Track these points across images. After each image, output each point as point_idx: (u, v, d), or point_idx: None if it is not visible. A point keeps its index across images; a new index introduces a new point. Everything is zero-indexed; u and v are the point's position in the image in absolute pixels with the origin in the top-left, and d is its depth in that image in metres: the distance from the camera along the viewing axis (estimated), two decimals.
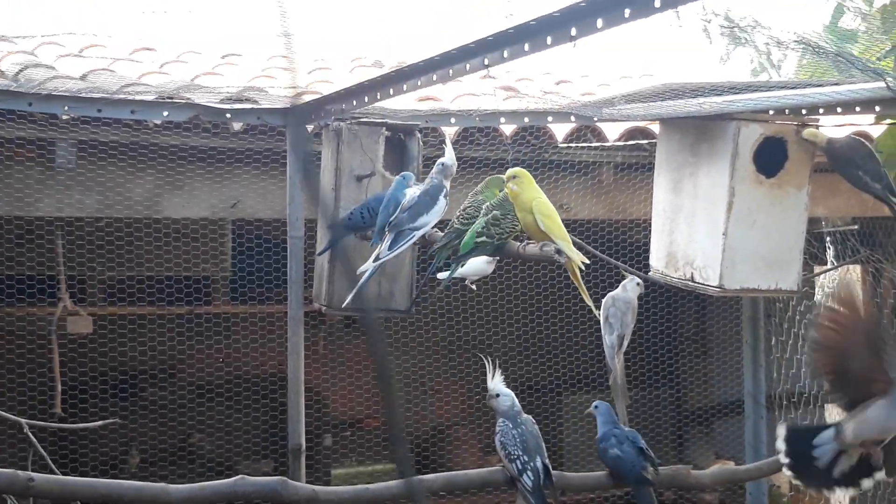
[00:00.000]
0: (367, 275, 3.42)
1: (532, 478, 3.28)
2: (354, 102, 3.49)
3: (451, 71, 2.82)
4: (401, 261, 3.64)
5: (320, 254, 3.85)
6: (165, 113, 3.81)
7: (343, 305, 3.58)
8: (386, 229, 3.38)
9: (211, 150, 4.72)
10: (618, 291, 4.00)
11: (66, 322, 5.52)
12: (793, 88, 3.70)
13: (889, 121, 3.94)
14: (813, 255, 4.98)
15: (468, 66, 2.75)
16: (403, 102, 5.07)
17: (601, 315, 4.02)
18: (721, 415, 7.46)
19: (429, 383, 7.63)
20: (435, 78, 2.92)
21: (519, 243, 3.18)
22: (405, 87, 3.13)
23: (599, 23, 2.33)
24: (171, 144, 4.65)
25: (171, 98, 4.21)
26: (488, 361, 3.37)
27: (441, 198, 3.38)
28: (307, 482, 6.80)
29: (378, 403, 7.54)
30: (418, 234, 3.34)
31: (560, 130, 5.18)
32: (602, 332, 4.02)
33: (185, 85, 4.80)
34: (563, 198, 5.54)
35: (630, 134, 5.23)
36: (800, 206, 3.91)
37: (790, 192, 3.89)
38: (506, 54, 2.60)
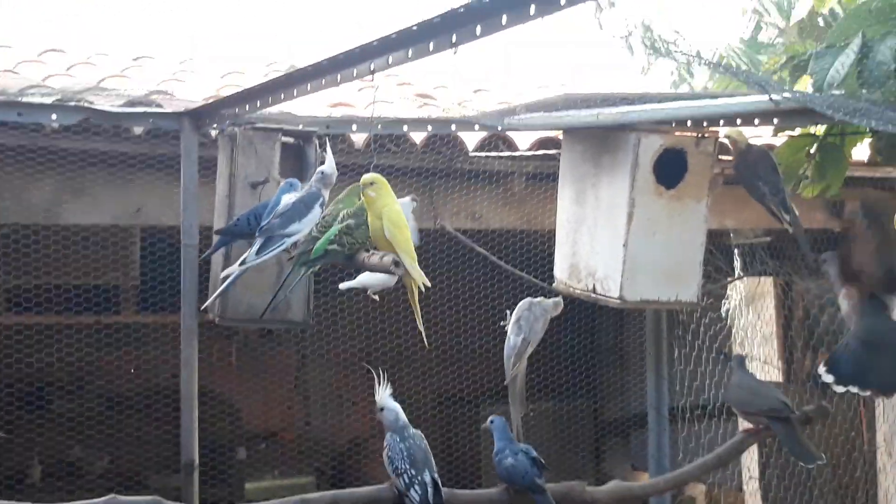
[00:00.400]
0: (230, 279, 3.35)
1: (419, 492, 3.22)
2: (248, 107, 3.42)
3: (339, 76, 2.78)
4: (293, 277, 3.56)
5: (203, 258, 3.77)
6: (54, 116, 3.70)
7: (203, 307, 3.51)
8: (256, 234, 3.32)
9: (113, 155, 4.62)
10: (537, 300, 3.99)
11: None
12: (691, 100, 3.71)
13: (787, 133, 3.96)
14: (718, 268, 5.01)
15: (355, 71, 2.71)
16: (314, 108, 5.02)
17: (512, 316, 4.00)
18: (638, 426, 7.49)
19: (346, 396, 7.56)
20: (324, 83, 2.87)
21: (366, 253, 3.11)
22: (295, 91, 3.08)
23: (478, 30, 2.32)
24: (71, 149, 4.53)
25: (69, 101, 4.11)
26: (376, 374, 3.31)
27: (316, 206, 3.31)
28: (220, 496, 6.74)
29: (294, 415, 7.46)
30: (289, 241, 3.27)
31: (471, 139, 5.15)
32: (508, 332, 3.99)
33: (90, 87, 4.69)
34: (474, 207, 5.51)
35: (541, 143, 5.22)
36: (699, 218, 3.92)
37: (689, 203, 3.89)
38: (390, 60, 2.57)
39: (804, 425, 3.93)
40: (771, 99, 2.88)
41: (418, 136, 5.03)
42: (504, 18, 2.24)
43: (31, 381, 6.48)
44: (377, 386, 3.32)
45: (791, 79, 3.41)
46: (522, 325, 3.97)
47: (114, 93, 4.70)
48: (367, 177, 3.06)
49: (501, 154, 5.19)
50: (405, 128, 4.10)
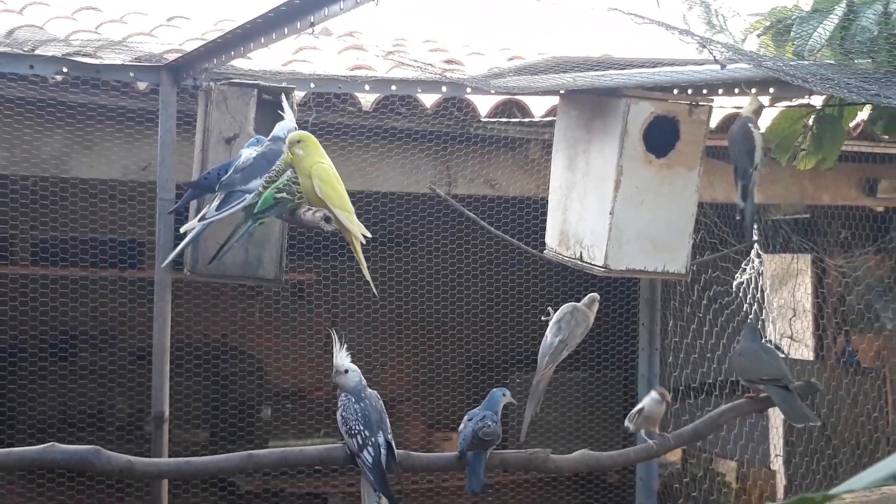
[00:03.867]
0: (191, 235, 3.35)
1: (372, 454, 3.20)
2: (223, 58, 3.42)
3: (286, 29, 2.76)
4: (269, 227, 3.57)
5: (170, 212, 3.79)
6: (31, 66, 3.73)
7: (163, 265, 3.52)
8: (216, 189, 3.31)
9: (121, 111, 4.66)
10: (580, 304, 3.96)
11: None
12: (682, 66, 3.61)
13: (785, 103, 3.83)
14: (723, 241, 4.88)
15: (298, 24, 2.69)
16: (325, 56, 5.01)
17: (554, 316, 3.96)
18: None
19: (377, 357, 7.59)
20: (274, 37, 2.86)
21: (304, 209, 3.09)
22: (262, 39, 3.06)
23: None
24: (80, 102, 4.58)
25: (74, 55, 4.14)
26: (335, 335, 3.29)
27: (278, 163, 3.29)
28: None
29: (322, 375, 7.50)
30: (250, 197, 3.26)
31: (483, 105, 5.10)
32: (547, 331, 3.96)
33: (109, 44, 4.73)
34: (491, 174, 5.46)
35: (556, 110, 5.14)
36: (690, 188, 3.83)
37: (680, 172, 3.80)
38: (326, 12, 2.54)
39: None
40: (716, 60, 2.77)
41: (428, 100, 4.99)
42: None
43: (58, 333, 6.62)
44: (336, 348, 3.30)
45: (774, 43, 3.29)
46: (563, 327, 3.92)
47: (131, 50, 4.74)
48: (293, 135, 3.04)
49: (512, 120, 5.12)
50: (366, 87, 4.05)
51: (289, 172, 3.11)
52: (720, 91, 3.57)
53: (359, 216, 3.36)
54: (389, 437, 3.26)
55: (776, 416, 6.88)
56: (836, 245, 6.07)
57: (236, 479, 6.76)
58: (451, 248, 6.56)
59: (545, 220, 5.79)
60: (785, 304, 6.58)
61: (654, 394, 3.78)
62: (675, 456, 6.77)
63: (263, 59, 4.96)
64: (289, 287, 7.28)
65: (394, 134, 5.05)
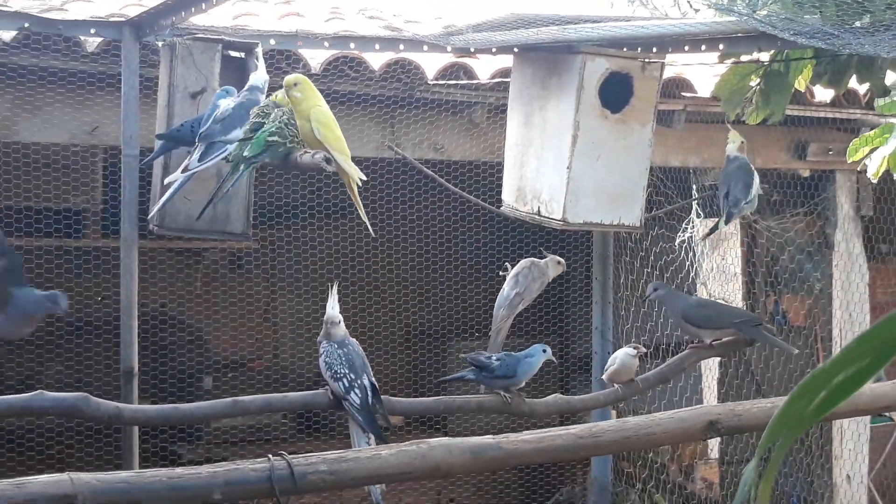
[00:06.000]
0: (174, 186, 3.36)
1: (360, 395, 3.27)
2: (184, 14, 3.42)
3: None
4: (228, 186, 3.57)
5: (144, 164, 3.79)
6: None
7: (149, 216, 3.53)
8: (196, 140, 3.32)
9: (69, 73, 4.61)
10: (539, 261, 4.04)
11: None
12: (638, 20, 3.71)
13: (731, 61, 3.97)
14: (669, 197, 5.03)
15: None
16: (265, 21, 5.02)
17: (512, 270, 4.04)
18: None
19: (316, 326, 7.60)
20: None
21: (300, 152, 3.13)
22: None
23: None
24: (27, 65, 4.52)
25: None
26: (332, 290, 3.36)
27: (254, 110, 3.30)
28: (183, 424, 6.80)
29: (263, 345, 7.51)
30: (231, 147, 3.28)
31: (429, 67, 5.15)
32: (505, 284, 4.04)
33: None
34: (436, 138, 5.52)
35: (502, 73, 5.22)
36: (644, 143, 3.94)
37: (634, 128, 3.92)
38: None
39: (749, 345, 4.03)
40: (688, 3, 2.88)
41: (376, 62, 5.03)
42: None
43: None
44: (331, 299, 3.37)
45: None
46: (520, 281, 4.01)
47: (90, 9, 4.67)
48: (290, 78, 3.07)
49: (459, 82, 5.18)
50: (325, 44, 4.08)
51: (280, 116, 3.13)
52: (670, 49, 3.69)
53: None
54: (373, 379, 3.33)
55: (709, 373, 7.10)
56: (767, 207, 6.26)
57: (178, 448, 6.74)
58: (388, 218, 6.61)
59: (490, 184, 5.90)
60: (716, 267, 6.77)
61: (628, 348, 3.90)
62: None
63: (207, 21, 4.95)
64: (227, 255, 7.27)
65: (341, 97, 5.07)
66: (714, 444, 7.25)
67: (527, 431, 2.07)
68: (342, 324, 3.48)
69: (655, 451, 7.03)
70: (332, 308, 3.46)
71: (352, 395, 3.29)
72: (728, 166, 4.11)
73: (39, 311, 3.41)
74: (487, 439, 2.02)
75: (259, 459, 1.93)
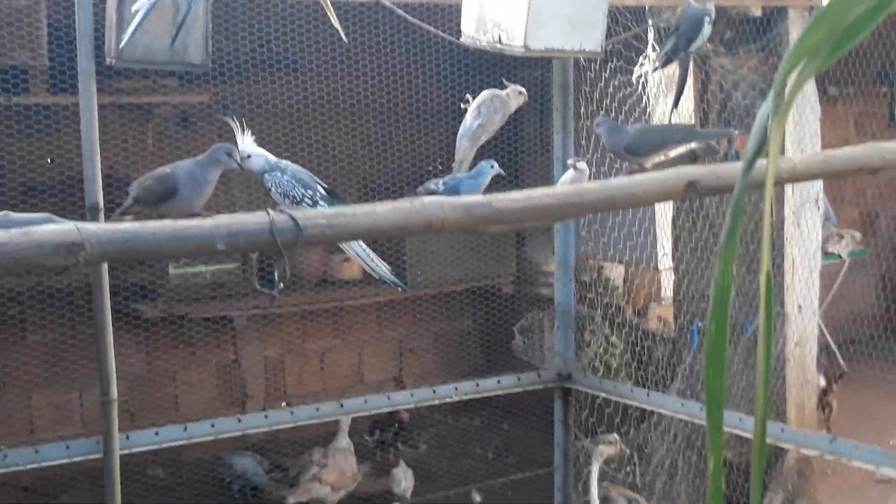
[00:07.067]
0: (141, 13, 3.28)
1: (325, 204, 3.25)
2: None
3: None
4: (193, 11, 3.49)
5: None
6: None
7: (106, 49, 3.45)
8: None
9: None
10: (501, 92, 4.01)
11: None
12: None
13: None
14: (625, 26, 5.01)
15: None
16: None
17: (474, 102, 4.02)
18: None
19: None
20: None
21: None
22: None
23: None
24: None
25: None
26: (234, 123, 3.31)
27: None
28: (144, 279, 6.79)
29: (217, 199, 7.42)
30: None
31: None
32: (467, 115, 4.02)
33: None
34: None
35: None
36: None
37: None
38: None
39: (692, 162, 4.07)
40: None
41: None
42: None
43: None
44: (238, 135, 3.31)
45: None
46: (482, 112, 3.99)
47: None
48: None
49: None
50: None
51: None
52: None
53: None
54: (325, 185, 3.32)
55: (662, 216, 7.20)
56: (720, 45, 6.26)
57: (139, 304, 6.74)
58: (343, 70, 6.52)
59: (448, 24, 5.82)
60: (669, 107, 6.79)
61: (571, 171, 3.94)
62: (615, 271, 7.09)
63: None
64: (178, 112, 7.14)
65: None
66: (668, 284, 7.42)
67: (515, 191, 2.14)
68: (256, 157, 3.42)
69: (610, 294, 7.18)
70: (242, 143, 3.42)
71: (318, 207, 3.28)
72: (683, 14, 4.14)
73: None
74: (479, 198, 2.09)
75: (259, 213, 1.96)
